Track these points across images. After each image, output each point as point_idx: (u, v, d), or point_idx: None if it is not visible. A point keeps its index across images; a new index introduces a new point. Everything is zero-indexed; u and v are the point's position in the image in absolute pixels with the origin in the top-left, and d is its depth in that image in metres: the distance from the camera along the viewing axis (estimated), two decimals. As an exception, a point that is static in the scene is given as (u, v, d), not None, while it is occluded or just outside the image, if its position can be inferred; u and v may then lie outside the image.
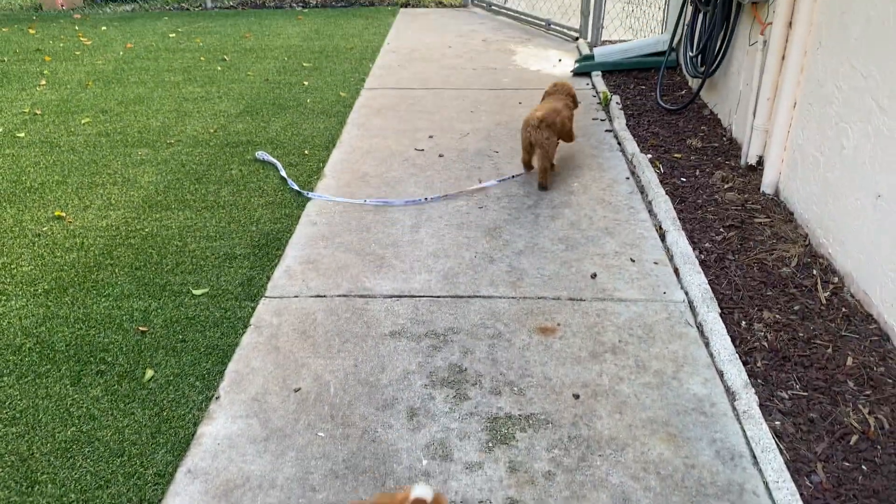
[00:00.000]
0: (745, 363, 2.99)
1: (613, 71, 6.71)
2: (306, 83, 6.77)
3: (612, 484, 2.47)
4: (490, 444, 2.65)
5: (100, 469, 2.61)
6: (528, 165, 4.78)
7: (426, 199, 4.42)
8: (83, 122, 5.94)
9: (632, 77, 6.61)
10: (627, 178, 4.67)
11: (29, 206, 4.56)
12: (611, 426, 2.71)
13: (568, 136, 4.82)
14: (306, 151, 5.23)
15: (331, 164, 5.01)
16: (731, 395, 2.82)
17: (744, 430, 2.65)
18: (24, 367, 3.15)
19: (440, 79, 6.77)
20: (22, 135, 5.69)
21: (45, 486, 2.55)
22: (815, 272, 3.57)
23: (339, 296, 3.55)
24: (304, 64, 7.37)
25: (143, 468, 2.61)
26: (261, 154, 4.99)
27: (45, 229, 4.28)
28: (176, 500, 2.46)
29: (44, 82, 6.99)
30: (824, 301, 3.36)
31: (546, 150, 4.47)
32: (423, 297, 3.53)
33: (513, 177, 4.73)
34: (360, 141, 5.40)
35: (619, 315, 3.35)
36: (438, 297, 3.53)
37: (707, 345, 3.12)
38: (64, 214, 4.43)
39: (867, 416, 2.70)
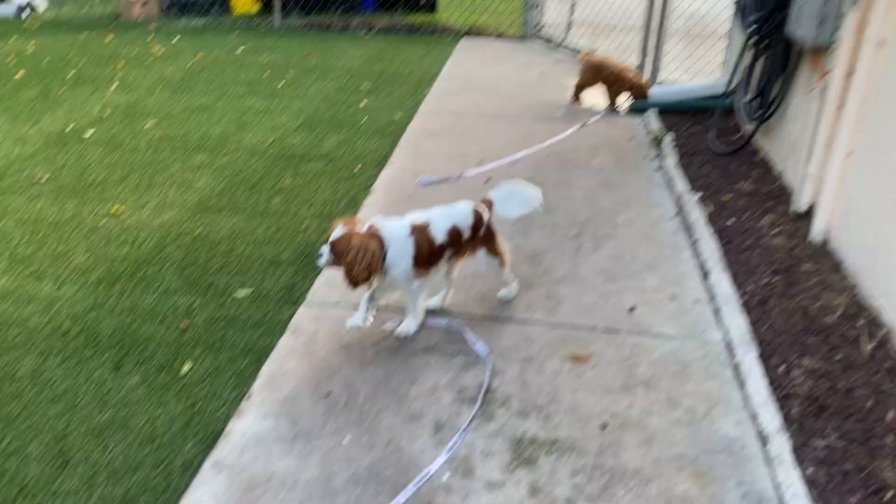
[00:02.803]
0: (780, 408, 2.93)
1: (668, 111, 6.70)
2: (363, 103, 6.92)
3: (634, 516, 2.44)
4: (513, 465, 2.64)
5: (130, 454, 2.69)
6: (577, 96, 6.98)
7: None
8: (148, 125, 6.17)
9: (686, 118, 6.59)
10: (674, 216, 4.65)
11: (89, 200, 4.75)
12: (637, 458, 2.68)
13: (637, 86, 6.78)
14: (356, 169, 5.34)
15: (380, 182, 5.10)
16: (763, 438, 2.77)
17: (774, 475, 2.59)
18: (69, 351, 3.26)
19: (495, 107, 6.85)
20: (90, 134, 5.94)
21: (78, 465, 2.63)
22: (860, 323, 3.49)
23: (378, 309, 3.59)
24: (363, 85, 7.54)
25: (171, 457, 2.67)
26: (424, 179, 5.06)
27: (101, 223, 4.44)
28: (200, 491, 2.51)
29: (115, 86, 7.29)
30: (868, 353, 3.28)
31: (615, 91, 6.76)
32: (461, 314, 3.55)
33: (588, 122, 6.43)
34: (410, 162, 5.49)
35: (654, 350, 3.32)
36: (472, 317, 3.55)
37: (742, 387, 3.07)
38: (121, 211, 4.60)
39: (904, 472, 2.62)
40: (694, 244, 4.28)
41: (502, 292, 3.68)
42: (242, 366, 3.18)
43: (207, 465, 2.62)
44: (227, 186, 4.99)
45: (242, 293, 3.72)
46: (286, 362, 3.20)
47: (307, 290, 3.75)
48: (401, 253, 3.18)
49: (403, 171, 5.30)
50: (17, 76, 7.57)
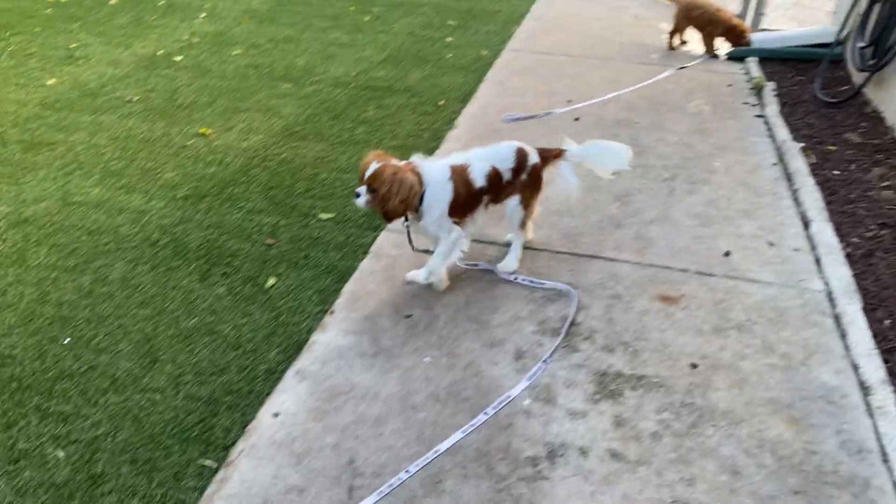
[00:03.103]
0: (885, 361, 2.75)
1: (770, 58, 6.33)
2: (449, 40, 6.78)
3: (723, 455, 2.34)
4: (597, 397, 2.57)
5: (216, 358, 2.72)
6: (671, 41, 6.62)
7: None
8: (235, 53, 6.20)
9: (789, 66, 6.21)
10: (774, 165, 4.40)
11: (178, 121, 4.81)
12: (728, 400, 2.57)
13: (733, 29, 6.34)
14: (441, 102, 5.25)
15: (464, 117, 5.00)
16: (864, 389, 2.60)
17: (876, 426, 2.44)
18: (157, 260, 3.32)
19: (584, 48, 6.61)
20: (179, 59, 6.01)
21: (165, 364, 2.69)
22: (978, 282, 3.23)
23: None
24: (450, 22, 7.39)
25: (255, 363, 2.70)
26: (510, 115, 4.93)
27: (189, 143, 4.49)
28: (283, 396, 2.53)
29: (203, 15, 7.34)
30: None
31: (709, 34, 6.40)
32: (542, 250, 3.46)
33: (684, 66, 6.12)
34: (495, 98, 5.36)
35: (749, 295, 3.16)
36: (558, 252, 3.45)
37: (843, 337, 2.89)
38: (208, 132, 4.64)
39: None
40: (795, 193, 4.04)
41: (505, 262, 3.28)
42: (325, 284, 3.18)
43: (290, 373, 2.64)
44: (312, 115, 4.97)
45: (326, 216, 3.71)
46: (368, 283, 3.18)
47: (390, 216, 3.70)
48: (438, 197, 2.91)
49: (488, 107, 5.18)
50: (112, 2, 7.70)
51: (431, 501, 2.16)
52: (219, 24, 7.06)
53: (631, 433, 2.42)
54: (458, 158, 3.05)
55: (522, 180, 3.16)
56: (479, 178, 3.01)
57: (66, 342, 2.78)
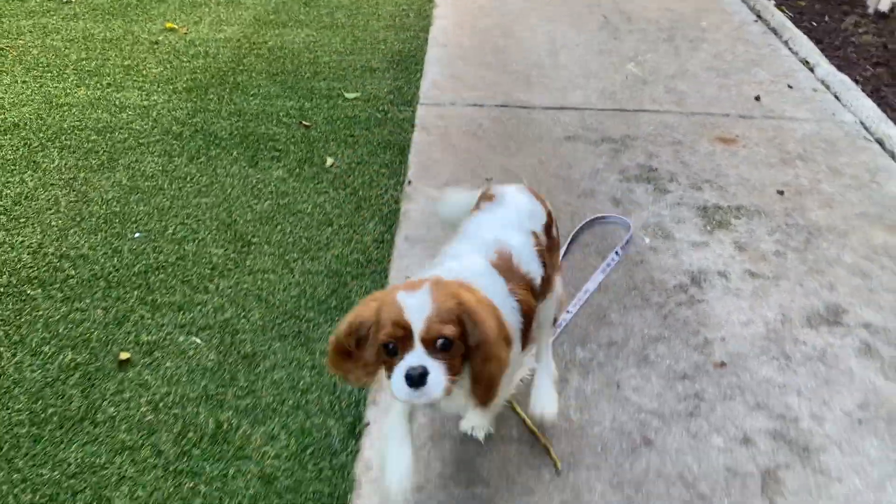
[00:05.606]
0: (938, 172, 2.95)
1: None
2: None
3: (847, 262, 2.45)
4: (708, 228, 2.61)
5: (312, 235, 2.54)
6: None
7: None
8: (161, -51, 5.60)
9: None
10: (756, 21, 4.53)
11: (134, 19, 4.33)
12: (825, 217, 2.68)
13: None
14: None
15: (441, -3, 4.79)
16: (937, 196, 2.79)
17: (963, 224, 2.63)
18: (192, 151, 3.02)
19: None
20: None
21: (261, 245, 2.48)
22: (981, 103, 3.51)
23: (498, 105, 3.43)
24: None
25: (358, 235, 2.54)
26: None
27: (160, 38, 4.06)
28: (405, 261, 2.40)
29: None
30: None
31: None
32: (587, 109, 3.42)
33: None
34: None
35: (795, 131, 3.28)
36: (603, 109, 3.43)
37: (894, 156, 3.07)
38: (176, 27, 4.21)
39: None
40: (787, 43, 4.19)
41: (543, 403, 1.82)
42: (387, 158, 3.01)
43: (400, 240, 2.50)
44: (280, 3, 4.60)
45: (352, 95, 3.49)
46: (431, 153, 3.04)
47: (416, 92, 3.53)
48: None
49: (460, -11, 4.98)
50: None
51: (606, 332, 2.14)
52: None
53: (756, 254, 2.48)
54: (487, 237, 1.63)
55: (552, 241, 1.83)
56: (530, 262, 1.64)
57: (135, 237, 2.50)
